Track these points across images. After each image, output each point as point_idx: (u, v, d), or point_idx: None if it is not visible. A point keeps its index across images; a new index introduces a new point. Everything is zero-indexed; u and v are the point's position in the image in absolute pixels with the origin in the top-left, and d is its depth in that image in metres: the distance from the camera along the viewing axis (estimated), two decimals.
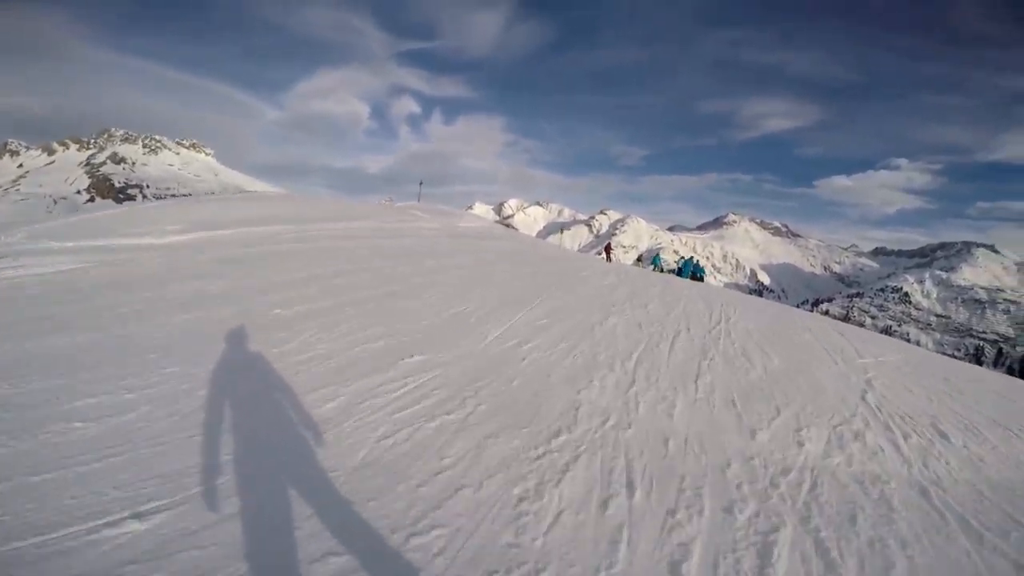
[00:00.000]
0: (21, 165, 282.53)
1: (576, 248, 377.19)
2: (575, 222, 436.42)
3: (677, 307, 9.12)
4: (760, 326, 8.46)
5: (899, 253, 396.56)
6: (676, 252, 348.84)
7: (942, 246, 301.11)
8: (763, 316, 9.84)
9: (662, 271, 21.87)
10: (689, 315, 8.50)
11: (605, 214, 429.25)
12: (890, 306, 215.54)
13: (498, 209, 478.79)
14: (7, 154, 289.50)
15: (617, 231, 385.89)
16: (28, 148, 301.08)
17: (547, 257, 15.50)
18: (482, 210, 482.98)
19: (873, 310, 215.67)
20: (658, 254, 26.30)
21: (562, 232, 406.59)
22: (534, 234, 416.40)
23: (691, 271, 19.96)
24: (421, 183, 45.97)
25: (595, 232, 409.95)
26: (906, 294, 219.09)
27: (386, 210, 24.54)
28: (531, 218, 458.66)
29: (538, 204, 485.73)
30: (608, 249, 25.84)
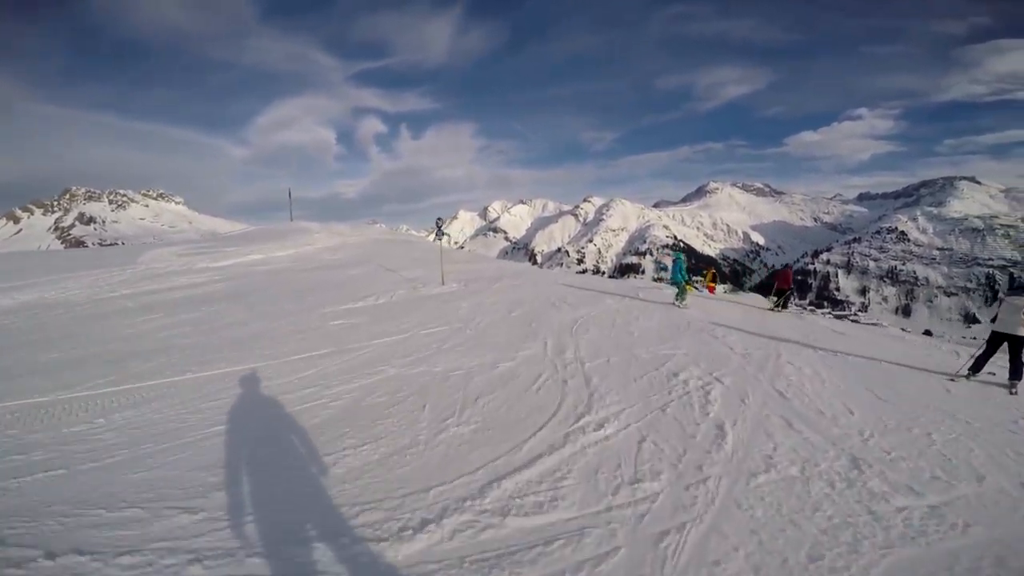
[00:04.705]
0: None
1: (566, 240, 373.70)
2: (561, 214, 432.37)
3: None
4: None
5: (884, 195, 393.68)
6: (666, 227, 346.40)
7: (924, 184, 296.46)
8: None
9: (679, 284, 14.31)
10: None
11: (589, 201, 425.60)
12: (889, 247, 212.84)
13: (483, 214, 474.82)
14: None
15: (605, 216, 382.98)
16: None
17: None
18: (467, 217, 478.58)
19: (874, 253, 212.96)
20: (679, 258, 14.76)
21: (554, 224, 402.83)
22: (523, 233, 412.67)
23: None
24: (290, 193, 41.49)
25: (582, 220, 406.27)
26: (902, 233, 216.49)
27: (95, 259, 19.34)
28: (517, 217, 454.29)
29: (522, 203, 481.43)
30: (713, 280, 17.89)
